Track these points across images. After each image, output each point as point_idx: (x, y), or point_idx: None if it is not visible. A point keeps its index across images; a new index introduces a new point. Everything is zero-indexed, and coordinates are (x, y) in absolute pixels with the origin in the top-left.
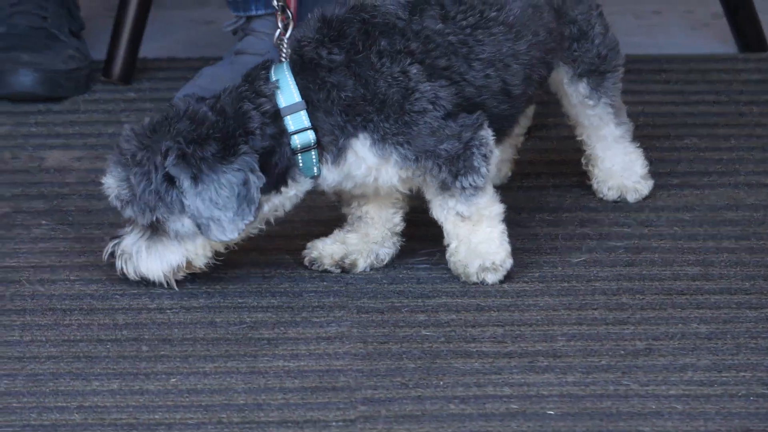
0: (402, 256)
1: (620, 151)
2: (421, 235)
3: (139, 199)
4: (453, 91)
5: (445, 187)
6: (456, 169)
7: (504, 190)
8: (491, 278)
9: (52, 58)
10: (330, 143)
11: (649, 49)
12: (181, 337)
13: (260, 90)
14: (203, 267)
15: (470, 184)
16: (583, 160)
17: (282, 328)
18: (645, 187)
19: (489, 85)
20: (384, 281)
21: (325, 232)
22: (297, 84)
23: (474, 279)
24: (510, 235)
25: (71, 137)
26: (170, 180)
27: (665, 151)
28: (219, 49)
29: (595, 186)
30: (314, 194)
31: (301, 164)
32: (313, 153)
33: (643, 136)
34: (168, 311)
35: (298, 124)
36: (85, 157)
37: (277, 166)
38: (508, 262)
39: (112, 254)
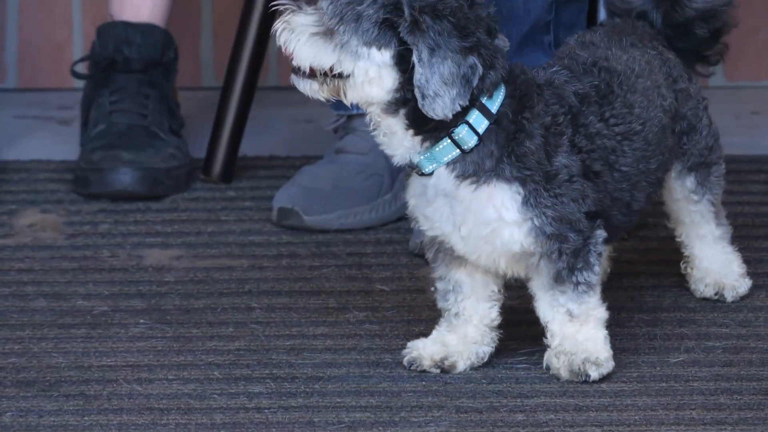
0: (501, 355)
1: (719, 250)
2: (521, 334)
3: (343, 4)
4: (595, 198)
5: (559, 280)
6: (574, 262)
7: (603, 290)
8: (594, 373)
9: (152, 157)
10: (474, 162)
11: (748, 150)
12: None
13: (486, 79)
14: (352, 100)
15: (585, 280)
16: (682, 264)
17: (380, 428)
18: (743, 285)
19: (621, 197)
20: (483, 381)
21: (425, 332)
22: (502, 103)
23: (576, 370)
24: (609, 335)
25: (170, 236)
26: (386, 23)
27: (764, 252)
28: (319, 147)
29: (692, 286)
30: (414, 292)
31: (439, 147)
32: (455, 152)
33: (742, 237)
34: (266, 410)
35: (477, 123)
36: (184, 255)
37: (433, 120)
38: (611, 364)
39: (281, 11)
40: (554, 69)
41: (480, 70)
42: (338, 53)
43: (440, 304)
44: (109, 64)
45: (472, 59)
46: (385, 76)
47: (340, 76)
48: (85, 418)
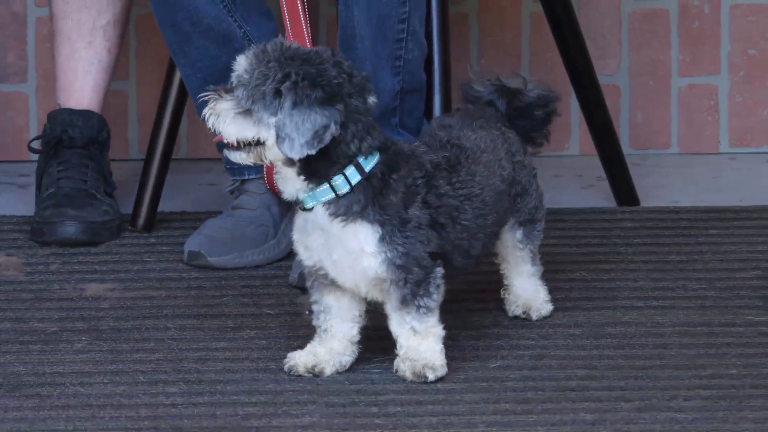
0: (360, 363)
1: (531, 283)
2: (375, 347)
3: (251, 89)
4: (438, 243)
5: (404, 303)
6: (416, 290)
7: (440, 312)
8: (431, 375)
9: (91, 213)
10: (344, 205)
11: (551, 204)
12: (190, 426)
13: (365, 142)
14: (270, 161)
15: (424, 305)
16: (501, 291)
17: (267, 419)
18: (546, 309)
19: (461, 245)
20: (346, 382)
21: (301, 346)
22: (375, 165)
23: (418, 372)
24: (444, 347)
25: (105, 273)
26: (278, 93)
27: (561, 282)
28: (220, 205)
29: (507, 307)
30: (293, 315)
31: (319, 189)
32: (330, 195)
33: (546, 270)
34: (180, 406)
35: (352, 177)
36: (116, 288)
37: (318, 170)
38: (444, 370)
39: (204, 103)
40: (416, 144)
41: (332, 131)
42: (256, 127)
43: (314, 323)
44: (57, 142)
45: (327, 122)
46: None
47: (259, 143)
48: (40, 413)
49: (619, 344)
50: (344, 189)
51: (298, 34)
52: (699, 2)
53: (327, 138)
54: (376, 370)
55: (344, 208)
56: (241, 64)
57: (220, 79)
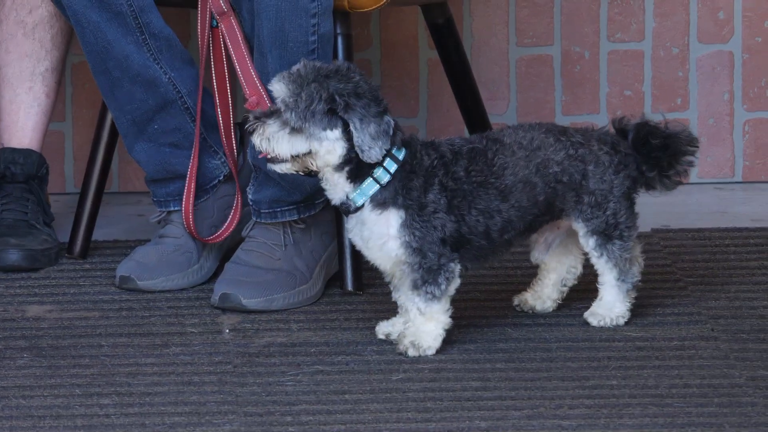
0: (275, 375)
1: (610, 293)
2: (290, 362)
3: (301, 111)
4: (455, 227)
5: (415, 287)
6: (426, 277)
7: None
8: (411, 353)
9: (32, 241)
10: (385, 194)
11: None
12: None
13: (397, 135)
14: (318, 167)
15: (431, 292)
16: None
17: (192, 428)
18: (609, 321)
19: (477, 227)
20: (262, 394)
21: (224, 361)
22: (404, 155)
23: (403, 347)
24: (345, 362)
25: (45, 296)
26: (329, 111)
27: (457, 302)
28: (148, 234)
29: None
30: (215, 333)
31: (365, 184)
32: (375, 187)
33: None
34: (113, 416)
35: (389, 166)
36: (54, 309)
37: (363, 172)
38: (431, 351)
39: (253, 131)
40: (455, 137)
41: (393, 123)
42: (309, 141)
43: (394, 296)
44: (0, 178)
45: (387, 118)
46: (338, 147)
47: (308, 154)
48: None
49: (510, 358)
50: (385, 178)
51: (249, 82)
52: (580, 49)
53: (391, 131)
54: (290, 383)
55: (385, 197)
56: (281, 90)
57: (147, 120)
